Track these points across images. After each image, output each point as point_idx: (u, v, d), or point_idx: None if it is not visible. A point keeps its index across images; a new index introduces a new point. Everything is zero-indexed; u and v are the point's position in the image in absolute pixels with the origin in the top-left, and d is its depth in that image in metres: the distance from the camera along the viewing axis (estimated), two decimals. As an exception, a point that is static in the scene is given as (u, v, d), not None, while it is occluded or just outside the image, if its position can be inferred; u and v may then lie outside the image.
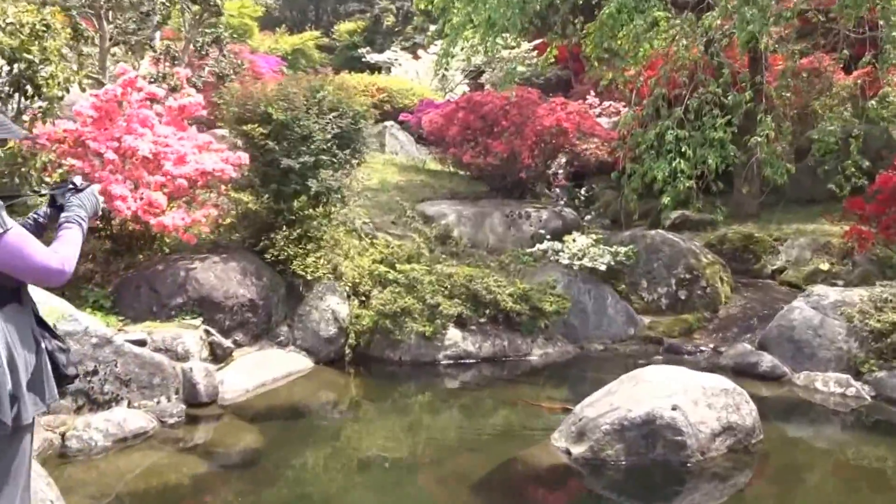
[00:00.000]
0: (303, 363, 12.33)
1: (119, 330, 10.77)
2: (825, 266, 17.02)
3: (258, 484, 8.46)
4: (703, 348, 14.52)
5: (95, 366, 9.47)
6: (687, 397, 9.16)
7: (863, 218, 15.80)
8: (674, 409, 8.96)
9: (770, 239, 18.06)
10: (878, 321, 12.56)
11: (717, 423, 9.17)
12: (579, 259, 14.96)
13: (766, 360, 13.02)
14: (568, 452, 9.09)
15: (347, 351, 12.99)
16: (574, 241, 15.24)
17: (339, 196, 13.28)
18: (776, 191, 19.81)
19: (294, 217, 12.69)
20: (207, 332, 11.43)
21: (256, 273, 12.43)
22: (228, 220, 12.90)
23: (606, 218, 19.51)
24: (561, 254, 15.14)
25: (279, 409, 10.82)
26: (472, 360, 13.25)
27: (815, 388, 12.35)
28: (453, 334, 13.25)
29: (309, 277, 12.66)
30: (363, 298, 13.45)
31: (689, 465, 8.86)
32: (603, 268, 14.94)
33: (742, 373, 12.78)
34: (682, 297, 15.75)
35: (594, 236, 15.53)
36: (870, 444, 10.71)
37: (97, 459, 8.64)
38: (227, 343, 11.60)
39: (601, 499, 8.74)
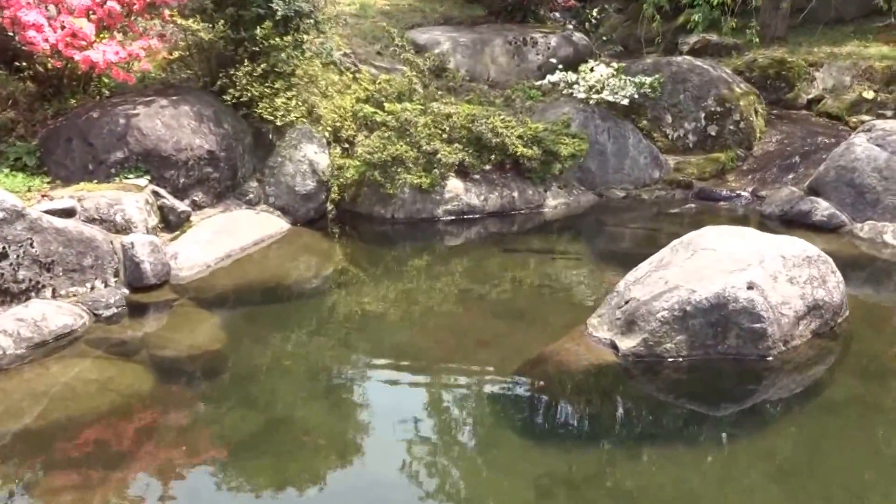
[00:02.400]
0: (277, 225, 10.09)
1: (43, 196, 8.47)
2: (869, 94, 14.66)
3: (220, 405, 6.40)
4: (740, 193, 12.36)
5: (3, 247, 7.18)
6: (764, 271, 7.04)
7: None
8: (750, 287, 6.84)
9: (804, 64, 15.51)
10: None
11: (802, 304, 7.12)
12: (597, 92, 12.54)
13: (822, 208, 10.88)
14: (614, 346, 7.02)
15: (330, 208, 10.78)
16: (591, 70, 12.76)
17: (312, 21, 10.69)
18: (800, 9, 17.27)
19: (258, 48, 10.11)
20: (156, 193, 9.12)
21: (215, 119, 9.98)
22: (177, 55, 10.33)
23: (616, 44, 16.86)
24: (576, 86, 12.70)
25: (248, 288, 8.66)
26: (476, 215, 11.10)
27: (884, 242, 10.29)
28: (454, 186, 11.00)
29: (279, 122, 10.22)
30: (346, 146, 11.09)
31: (769, 358, 6.88)
32: (625, 102, 12.56)
33: (791, 222, 10.85)
34: (713, 134, 13.41)
35: (615, 65, 13.01)
36: None
37: (1, 376, 6.50)
38: (183, 206, 9.30)
39: (660, 406, 6.67)
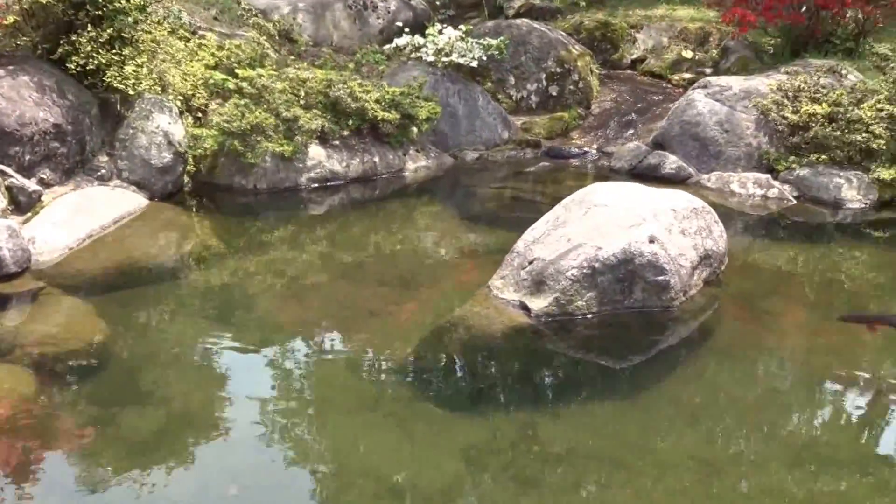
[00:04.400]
0: (134, 201, 9.17)
1: None
2: (688, 54, 15.10)
3: (114, 403, 5.62)
4: (587, 150, 12.46)
5: None
6: (659, 224, 7.00)
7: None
8: (651, 241, 6.79)
9: (626, 26, 15.76)
10: (795, 112, 10.78)
11: (695, 254, 7.19)
12: (446, 55, 12.21)
13: (671, 161, 11.13)
14: (525, 308, 6.78)
15: (187, 181, 9.93)
16: (439, 34, 12.36)
17: (156, -17, 9.77)
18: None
19: (100, 12, 9.09)
20: (2, 172, 8.06)
21: (58, 89, 8.91)
22: (11, 19, 9.14)
23: (449, 8, 16.51)
24: (424, 49, 12.31)
25: (117, 270, 7.78)
26: (339, 182, 10.59)
27: (731, 191, 10.71)
28: (316, 153, 10.41)
29: (132, 91, 9.25)
30: (199, 114, 10.26)
31: (671, 309, 6.91)
32: (475, 64, 12.33)
33: (641, 176, 10.90)
34: (554, 94, 13.42)
35: (462, 28, 12.67)
36: (817, 253, 9.25)
37: None
38: (33, 185, 8.27)
39: (573, 363, 6.57)
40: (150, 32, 9.79)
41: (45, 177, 8.64)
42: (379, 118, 10.64)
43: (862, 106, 10.77)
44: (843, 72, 11.74)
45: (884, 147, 10.46)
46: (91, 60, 9.02)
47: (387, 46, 12.82)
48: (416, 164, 11.29)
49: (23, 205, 8.13)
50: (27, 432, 5.25)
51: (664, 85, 14.56)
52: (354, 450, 5.34)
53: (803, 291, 8.13)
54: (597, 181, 9.19)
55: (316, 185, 10.34)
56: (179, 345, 6.64)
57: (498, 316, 6.81)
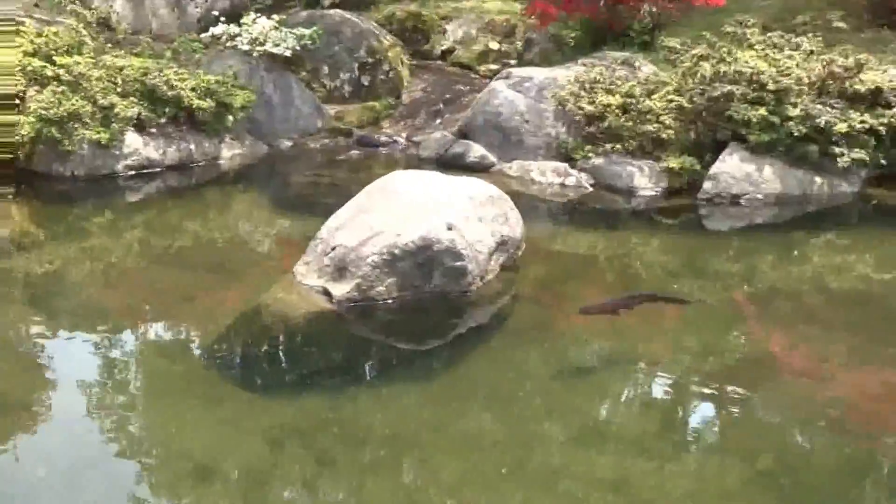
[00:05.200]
0: (-53, 188, 9.28)
1: None
2: (495, 45, 16.04)
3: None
4: (396, 139, 13.18)
5: None
6: (457, 212, 7.36)
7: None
8: (449, 228, 7.16)
9: (437, 18, 16.61)
10: (591, 103, 11.37)
11: (492, 240, 7.57)
12: (261, 44, 12.66)
13: (474, 151, 11.71)
14: (327, 293, 7.10)
15: (3, 167, 10.01)
16: (254, 23, 12.79)
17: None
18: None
19: None
20: None
21: None
22: None
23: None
24: (239, 38, 12.71)
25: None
26: (156, 169, 10.94)
27: (532, 179, 11.22)
28: (133, 140, 10.74)
29: (-56, 79, 9.35)
30: (16, 101, 10.31)
31: (468, 293, 7.28)
32: (288, 53, 12.82)
33: (447, 165, 11.34)
34: (366, 84, 14.11)
35: (276, 18, 13.12)
36: (612, 238, 9.76)
37: None
38: None
39: (374, 347, 7.05)
40: (-36, 19, 9.84)
41: None
42: (195, 106, 11.02)
43: (653, 97, 11.17)
44: (637, 64, 12.27)
45: (673, 137, 10.87)
46: None
47: (204, 35, 13.13)
48: (231, 152, 11.74)
49: None
50: None
51: (472, 76, 15.29)
52: (163, 431, 5.52)
53: (598, 275, 8.64)
54: (406, 169, 9.61)
55: (133, 172, 10.65)
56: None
57: (301, 301, 7.14)
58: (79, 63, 10.43)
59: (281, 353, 6.85)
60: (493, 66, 15.14)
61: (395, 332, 7.07)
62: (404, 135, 13.26)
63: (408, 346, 7.03)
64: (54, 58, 10.57)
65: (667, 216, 10.30)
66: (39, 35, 10.99)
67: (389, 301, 7.08)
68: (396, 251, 7.01)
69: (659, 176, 10.83)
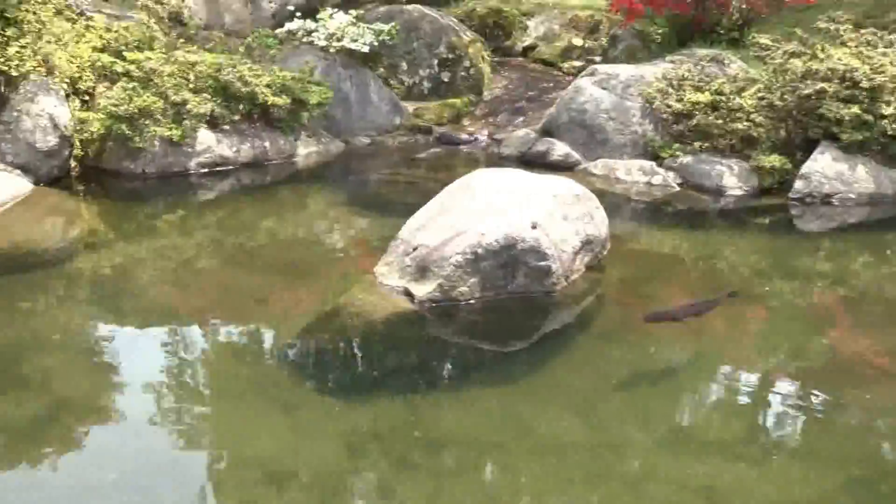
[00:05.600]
0: (18, 185, 9.04)
1: None
2: (578, 42, 15.39)
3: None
4: (478, 136, 12.68)
5: None
6: (542, 210, 7.15)
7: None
8: (533, 227, 6.93)
9: (518, 13, 15.99)
10: (679, 101, 10.99)
11: (577, 239, 7.35)
12: (338, 40, 12.25)
13: (558, 149, 11.32)
14: (408, 294, 6.89)
15: (74, 165, 9.79)
16: (331, 18, 12.38)
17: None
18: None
19: (-19, -8, 8.92)
20: None
21: (-63, 70, 8.74)
22: None
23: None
24: (315, 34, 12.31)
25: (-3, 257, 7.65)
26: (230, 167, 10.56)
27: (617, 178, 10.85)
28: (205, 137, 10.37)
29: (14, 73, 9.07)
30: (86, 98, 10.09)
31: (553, 294, 7.05)
32: (366, 49, 12.39)
33: (530, 163, 10.95)
34: (446, 80, 13.59)
35: (353, 13, 12.71)
36: (699, 238, 9.43)
37: None
38: None
39: (456, 348, 6.76)
40: (34, 13, 9.59)
41: (-78, 160, 8.46)
42: (270, 103, 10.63)
43: (743, 95, 10.84)
44: (726, 61, 11.89)
45: (764, 135, 10.57)
46: (-29, 41, 8.84)
47: (279, 30, 12.76)
48: (307, 150, 11.32)
49: None
50: None
51: (555, 72, 14.79)
52: (237, 436, 5.33)
53: (685, 276, 8.34)
54: (487, 167, 9.44)
55: (205, 170, 10.29)
56: (62, 332, 6.61)
57: (382, 302, 6.91)
58: (150, 58, 10.10)
59: (360, 355, 6.55)
60: (577, 63, 14.62)
61: (478, 333, 6.76)
62: (485, 132, 12.73)
63: (490, 347, 6.71)
64: (124, 53, 10.26)
65: (756, 216, 10.03)
66: (109, 30, 10.70)
67: (472, 301, 6.81)
68: (479, 251, 6.76)
69: (748, 175, 10.52)
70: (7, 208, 8.58)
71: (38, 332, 6.47)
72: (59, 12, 10.32)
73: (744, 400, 6.13)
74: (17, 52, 9.09)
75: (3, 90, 9.29)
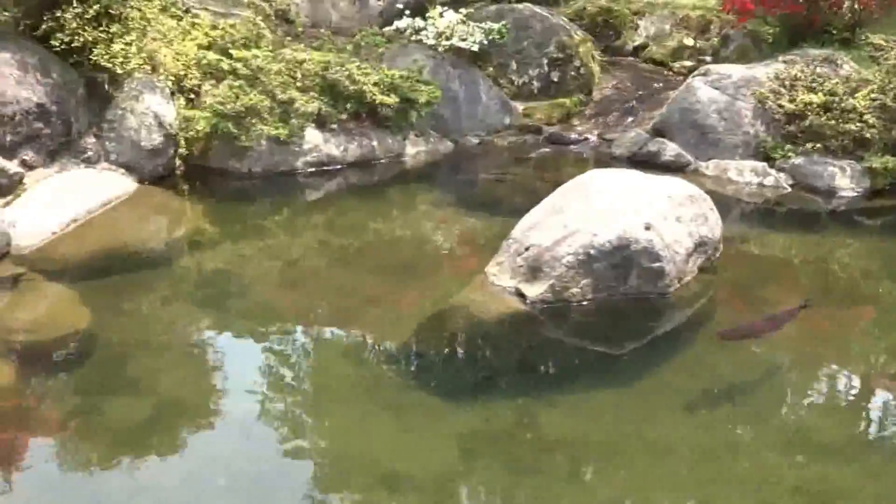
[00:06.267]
0: (123, 184, 8.69)
1: None
2: (689, 41, 14.70)
3: (99, 392, 5.29)
4: (588, 136, 12.10)
5: None
6: (655, 211, 6.86)
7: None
8: (647, 228, 6.67)
9: (629, 13, 15.32)
10: (791, 102, 10.57)
11: (690, 241, 7.07)
12: (447, 38, 11.75)
13: (670, 149, 10.85)
14: (520, 294, 6.63)
15: (178, 164, 9.41)
16: (441, 16, 11.90)
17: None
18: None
19: (87, -13, 8.60)
20: (-20, 152, 7.58)
21: (42, 68, 8.45)
22: (-9, -6, 8.63)
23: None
24: (424, 32, 11.82)
25: (102, 256, 7.38)
26: (337, 166, 10.11)
27: (729, 179, 10.48)
28: (313, 136, 9.94)
29: (120, 70, 8.75)
30: (191, 96, 9.73)
31: (667, 296, 6.79)
32: (475, 48, 11.89)
33: (641, 163, 10.46)
34: (555, 80, 12.94)
35: (463, 11, 12.21)
36: (812, 241, 9.15)
37: None
38: (14, 167, 7.83)
39: (568, 350, 6.53)
40: (139, 9, 9.28)
41: (27, 158, 8.19)
42: (378, 102, 10.18)
43: (856, 95, 10.57)
44: (839, 62, 11.45)
45: (877, 136, 10.26)
46: (76, 38, 8.58)
47: (387, 29, 12.32)
48: (415, 149, 10.83)
49: (3, 187, 7.71)
50: (8, 424, 4.95)
51: (665, 72, 14.16)
52: (349, 438, 5.15)
53: (798, 279, 8.09)
54: (597, 168, 9.14)
55: (312, 169, 9.87)
56: (169, 332, 6.31)
57: (493, 303, 6.68)
58: (257, 56, 9.71)
59: (472, 356, 6.39)
60: (688, 63, 13.99)
61: (591, 334, 6.58)
62: (595, 132, 12.12)
63: (603, 349, 6.53)
64: (231, 51, 9.88)
65: (869, 217, 9.82)
66: (215, 27, 10.35)
67: (584, 302, 6.59)
68: (592, 251, 6.53)
69: (861, 176, 10.26)
70: (111, 207, 8.24)
71: (145, 332, 6.14)
72: (164, 9, 10.03)
73: (855, 403, 5.97)
74: (122, 49, 8.75)
75: (107, 88, 8.97)
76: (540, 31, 12.98)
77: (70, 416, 5.07)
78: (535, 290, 6.54)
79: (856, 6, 12.82)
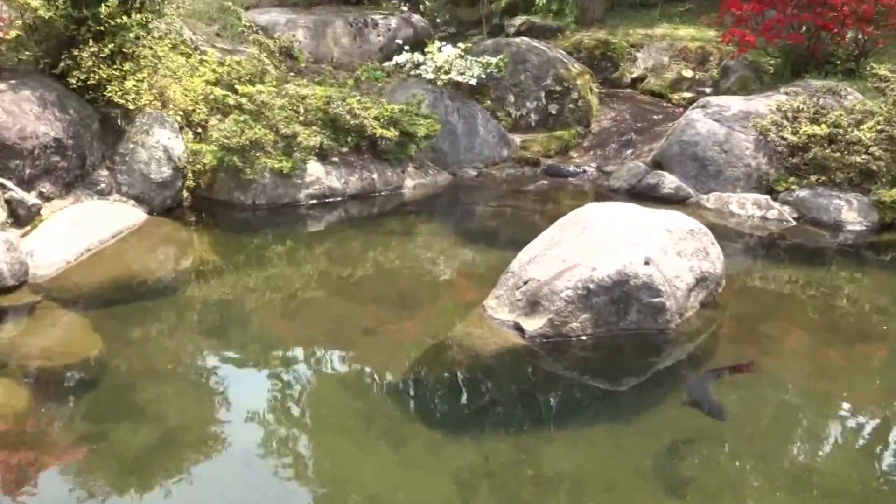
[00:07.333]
0: (133, 215, 9.16)
1: None
2: (688, 73, 15.10)
3: (107, 419, 5.65)
4: (586, 168, 12.40)
5: None
6: (654, 245, 6.96)
7: (739, 19, 13.59)
8: (647, 262, 6.74)
9: (626, 45, 15.79)
10: (794, 133, 10.72)
11: (691, 276, 7.13)
12: (446, 73, 12.20)
13: (669, 182, 11.04)
14: (518, 328, 6.74)
15: (186, 196, 9.90)
16: (439, 51, 12.37)
17: (159, -1, 9.74)
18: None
19: (102, 28, 9.09)
20: (2, 186, 8.07)
21: (59, 104, 8.97)
22: (14, 34, 9.15)
23: (450, 25, 16.57)
24: (423, 67, 12.30)
25: (114, 285, 7.78)
26: (338, 198, 10.52)
27: (730, 212, 10.57)
28: (315, 169, 10.38)
29: (132, 106, 9.26)
30: (198, 130, 10.23)
31: (667, 332, 6.84)
32: (474, 82, 12.32)
33: (640, 196, 10.74)
34: (553, 112, 13.37)
35: (461, 46, 12.68)
36: (817, 275, 9.10)
37: None
38: (32, 199, 8.30)
39: (568, 385, 6.55)
40: (151, 48, 9.80)
41: (44, 190, 8.67)
42: (378, 135, 10.61)
43: (862, 127, 10.62)
44: (843, 93, 11.56)
45: (884, 169, 10.32)
46: (92, 75, 9.10)
47: (387, 64, 12.82)
48: (414, 182, 11.25)
49: (22, 218, 8.15)
50: (20, 448, 5.23)
51: (664, 104, 14.56)
52: (346, 469, 5.25)
53: (803, 315, 8.04)
54: (595, 200, 9.26)
55: (314, 201, 10.29)
56: (175, 360, 6.64)
57: (492, 336, 6.76)
58: (261, 91, 10.19)
59: (470, 390, 6.42)
60: (687, 95, 14.41)
61: (590, 369, 6.59)
62: (594, 165, 12.47)
63: (603, 384, 6.56)
64: (236, 86, 10.39)
65: (878, 252, 9.78)
66: (222, 64, 10.87)
67: (583, 337, 6.64)
68: (591, 286, 6.59)
69: (868, 210, 10.29)
70: (122, 238, 8.69)
71: (151, 360, 6.49)
72: (174, 47, 10.54)
73: (865, 440, 5.90)
74: (135, 85, 9.27)
75: (120, 123, 9.48)
76: (537, 64, 13.40)
77: (79, 440, 5.35)
78: (533, 325, 6.64)
79: (860, 36, 13.03)
